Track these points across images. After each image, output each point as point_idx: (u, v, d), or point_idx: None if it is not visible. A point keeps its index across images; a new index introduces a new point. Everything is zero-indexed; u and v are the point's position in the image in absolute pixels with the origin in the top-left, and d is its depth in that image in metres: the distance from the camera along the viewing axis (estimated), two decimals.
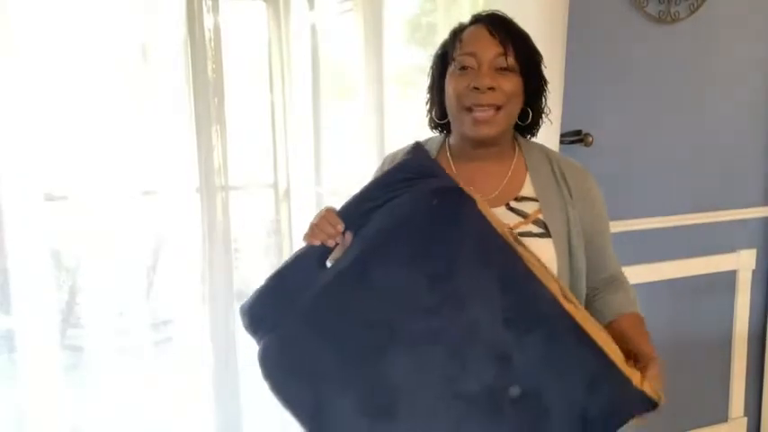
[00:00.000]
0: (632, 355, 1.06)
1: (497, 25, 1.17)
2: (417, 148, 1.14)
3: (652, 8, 2.11)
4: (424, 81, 1.30)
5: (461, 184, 1.08)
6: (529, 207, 1.18)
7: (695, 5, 2.15)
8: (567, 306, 1.00)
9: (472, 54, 1.16)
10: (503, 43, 1.15)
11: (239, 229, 1.74)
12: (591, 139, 2.02)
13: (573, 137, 2.02)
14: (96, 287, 1.58)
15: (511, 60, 1.15)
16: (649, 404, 1.00)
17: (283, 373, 1.03)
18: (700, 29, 2.19)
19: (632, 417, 1.00)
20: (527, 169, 1.22)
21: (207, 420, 1.74)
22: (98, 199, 1.57)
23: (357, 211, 1.08)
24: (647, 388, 1.00)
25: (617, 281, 1.28)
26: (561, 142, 1.95)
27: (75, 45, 1.52)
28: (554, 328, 0.99)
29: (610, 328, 1.16)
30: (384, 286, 1.01)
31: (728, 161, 2.33)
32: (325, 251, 1.07)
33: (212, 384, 1.73)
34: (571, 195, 1.20)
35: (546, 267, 1.06)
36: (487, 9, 1.23)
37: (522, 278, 1.01)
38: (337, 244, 1.07)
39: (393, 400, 0.98)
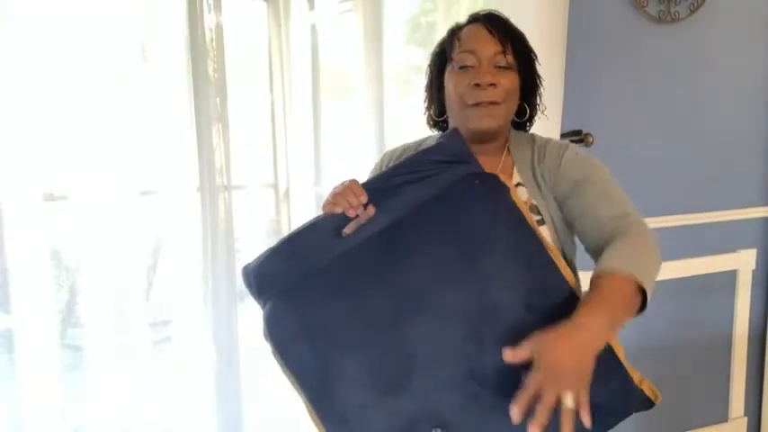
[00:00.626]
0: None
1: (495, 24, 1.19)
2: (455, 133, 1.15)
3: (652, 8, 2.11)
4: (423, 80, 1.31)
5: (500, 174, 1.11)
6: (523, 194, 1.19)
7: (695, 5, 2.15)
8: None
9: (472, 52, 1.17)
10: (501, 42, 1.17)
11: (240, 228, 1.74)
12: (591, 139, 2.02)
13: (573, 137, 2.02)
14: (96, 287, 1.58)
15: (509, 58, 1.18)
16: (647, 404, 1.01)
17: (290, 334, 1.00)
18: (700, 29, 2.19)
19: (630, 414, 1.01)
20: (513, 161, 1.23)
21: (208, 420, 1.74)
22: (98, 199, 1.56)
23: (385, 185, 1.08)
24: (646, 387, 1.01)
25: (621, 226, 1.09)
26: None
27: (76, 45, 1.52)
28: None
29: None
30: (415, 256, 1.01)
31: (728, 161, 2.33)
32: (343, 220, 1.05)
33: (214, 384, 1.72)
34: (545, 180, 1.17)
35: (563, 262, 1.07)
36: (485, 9, 1.24)
37: (547, 266, 1.03)
38: (357, 216, 1.05)
39: (405, 371, 0.97)
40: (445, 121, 1.28)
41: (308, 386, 0.99)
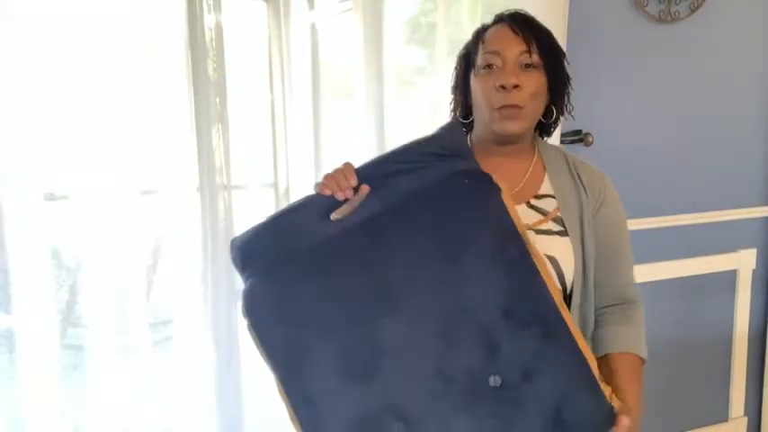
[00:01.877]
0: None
1: (520, 23, 1.17)
2: (454, 125, 1.14)
3: (652, 8, 2.11)
4: (425, 81, 1.31)
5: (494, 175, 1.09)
6: (548, 204, 1.19)
7: (695, 5, 2.15)
8: (564, 313, 1.01)
9: (496, 53, 1.16)
10: (526, 40, 1.15)
11: (240, 228, 1.74)
12: (591, 139, 2.02)
13: (573, 137, 2.02)
14: (96, 287, 1.58)
15: (535, 57, 1.15)
16: (615, 418, 1.01)
17: (265, 312, 1.01)
18: (700, 29, 2.19)
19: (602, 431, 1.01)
20: (545, 167, 1.23)
21: (208, 420, 1.74)
22: (98, 199, 1.56)
23: (378, 171, 1.07)
24: (615, 403, 1.01)
25: (630, 307, 1.24)
26: (561, 142, 1.95)
27: (76, 45, 1.52)
28: (550, 330, 0.99)
29: (605, 360, 1.17)
30: (398, 247, 1.01)
31: (728, 161, 2.33)
32: (332, 204, 1.05)
33: (214, 384, 1.72)
34: (586, 193, 1.20)
35: (551, 274, 1.06)
36: (507, 9, 1.23)
37: (531, 275, 1.01)
38: (347, 199, 1.04)
39: (375, 362, 0.97)
40: (471, 123, 1.27)
41: (279, 365, 1.00)
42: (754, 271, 2.42)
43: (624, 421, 1.00)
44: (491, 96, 1.15)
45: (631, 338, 1.19)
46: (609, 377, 1.12)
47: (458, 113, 1.29)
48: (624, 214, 1.26)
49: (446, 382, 0.97)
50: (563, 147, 1.30)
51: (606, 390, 1.00)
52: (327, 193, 1.04)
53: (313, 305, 1.00)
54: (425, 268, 1.00)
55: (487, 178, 1.06)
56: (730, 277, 2.40)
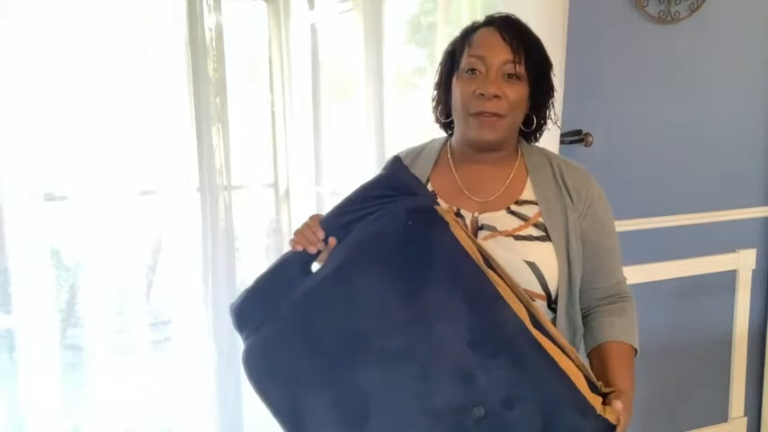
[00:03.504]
0: (606, 383, 1.06)
1: (511, 30, 1.15)
2: (396, 162, 1.14)
3: (652, 8, 2.11)
4: (425, 81, 1.30)
5: (439, 202, 1.10)
6: (529, 210, 1.17)
7: (695, 5, 2.15)
8: (534, 333, 1.00)
9: (481, 58, 1.14)
10: (514, 50, 1.13)
11: (240, 228, 1.74)
12: (591, 139, 2.02)
13: (573, 137, 2.02)
14: (96, 287, 1.58)
15: (520, 68, 1.13)
16: (610, 429, 1.00)
17: (264, 375, 1.06)
18: (700, 29, 2.19)
19: None
20: (527, 173, 1.21)
21: (208, 420, 1.74)
22: (98, 199, 1.57)
23: (337, 223, 1.10)
24: (609, 415, 0.99)
25: (620, 300, 1.23)
26: (561, 142, 1.95)
27: (76, 45, 1.52)
28: (519, 354, 0.99)
29: (596, 350, 1.17)
30: (361, 298, 1.03)
31: (728, 161, 2.33)
32: (308, 258, 1.09)
33: (214, 384, 1.72)
34: (572, 199, 1.19)
35: (518, 293, 1.05)
36: (499, 11, 1.21)
37: (490, 302, 1.01)
38: (320, 251, 1.08)
39: (365, 409, 1.00)
40: (451, 123, 1.25)
41: (284, 420, 1.05)
42: (753, 271, 2.42)
43: (617, 405, 0.99)
44: (469, 101, 1.14)
45: (624, 328, 1.18)
46: (601, 364, 1.12)
47: (438, 111, 1.27)
48: (610, 211, 1.24)
49: (434, 418, 0.98)
50: (547, 149, 1.28)
51: (596, 402, 0.99)
52: (299, 249, 1.08)
53: (299, 362, 1.04)
54: (389, 314, 1.02)
55: (432, 214, 1.06)
56: (730, 277, 2.40)
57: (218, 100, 1.64)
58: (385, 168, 1.15)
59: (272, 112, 1.77)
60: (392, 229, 1.05)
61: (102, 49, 1.53)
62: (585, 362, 1.09)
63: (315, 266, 1.11)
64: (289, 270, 1.09)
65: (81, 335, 1.61)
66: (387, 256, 1.04)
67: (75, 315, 1.68)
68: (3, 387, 1.58)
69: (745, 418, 2.51)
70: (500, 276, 1.04)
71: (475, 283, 1.02)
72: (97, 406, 1.62)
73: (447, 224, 1.05)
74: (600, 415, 0.98)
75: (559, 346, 1.01)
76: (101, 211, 1.57)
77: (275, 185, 1.81)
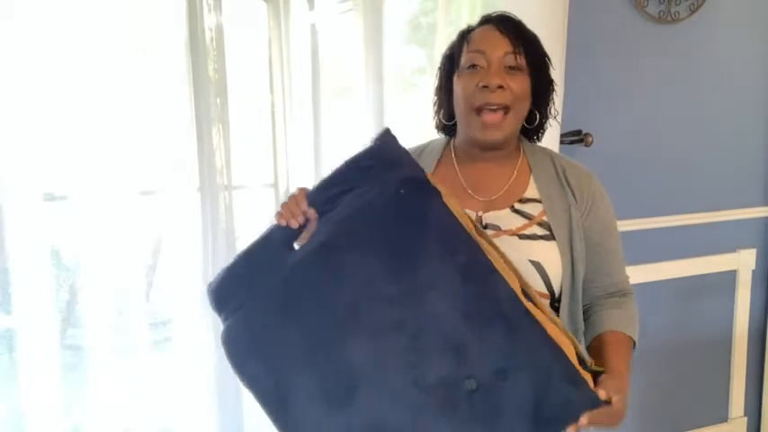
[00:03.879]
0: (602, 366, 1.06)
1: (507, 25, 1.16)
2: (387, 134, 1.11)
3: (652, 8, 2.11)
4: (425, 81, 1.30)
5: (429, 176, 1.06)
6: (533, 209, 1.18)
7: (695, 5, 2.15)
8: (527, 304, 1.00)
9: (482, 52, 1.14)
10: (513, 42, 1.14)
11: (240, 228, 1.74)
12: (591, 139, 2.02)
13: (573, 137, 2.02)
14: (96, 287, 1.58)
15: (521, 59, 1.14)
16: (600, 405, 0.99)
17: (245, 353, 1.03)
18: (700, 29, 2.20)
19: (581, 414, 0.98)
20: (530, 171, 1.22)
21: (208, 420, 1.74)
22: (98, 199, 1.56)
23: (324, 195, 1.07)
24: (602, 394, 0.99)
25: (622, 296, 1.24)
26: (561, 142, 1.95)
27: (76, 44, 1.52)
28: (512, 324, 0.98)
29: (595, 340, 1.17)
30: (349, 272, 1.01)
31: (728, 161, 2.34)
32: (292, 233, 1.06)
33: (214, 384, 1.72)
34: (575, 198, 1.19)
35: (509, 265, 1.05)
36: (496, 10, 1.21)
37: (483, 272, 1.00)
38: (303, 226, 1.05)
39: (352, 384, 0.98)
40: (454, 126, 1.25)
41: (266, 402, 1.02)
42: (753, 271, 2.42)
43: (610, 381, 0.98)
44: (473, 95, 1.14)
45: (623, 320, 1.19)
46: (598, 352, 1.12)
47: (441, 115, 1.28)
48: (613, 210, 1.25)
49: (425, 393, 0.97)
50: (548, 148, 1.28)
51: (587, 376, 0.98)
52: (283, 223, 1.05)
53: (285, 340, 1.01)
54: (379, 287, 1.00)
55: (424, 184, 1.04)
56: (730, 277, 2.40)
57: (218, 100, 1.64)
58: (375, 139, 1.11)
59: (272, 112, 1.77)
60: (382, 200, 1.02)
61: (102, 48, 1.53)
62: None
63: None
64: (271, 246, 1.06)
65: (81, 335, 1.61)
66: (376, 229, 1.02)
67: (75, 315, 1.68)
68: (3, 387, 1.57)
69: (745, 418, 2.51)
70: (492, 247, 1.04)
71: (468, 254, 1.00)
72: (97, 406, 1.62)
73: (439, 193, 1.03)
74: (591, 390, 0.97)
75: (550, 320, 1.00)
76: (101, 211, 1.57)
77: (275, 185, 1.81)
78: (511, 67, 1.14)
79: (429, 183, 1.04)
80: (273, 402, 1.02)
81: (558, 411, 0.96)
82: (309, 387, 1.00)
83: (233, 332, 1.04)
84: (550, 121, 1.27)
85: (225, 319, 1.06)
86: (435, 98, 1.28)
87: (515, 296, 0.99)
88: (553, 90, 1.24)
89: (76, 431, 1.65)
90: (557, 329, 1.00)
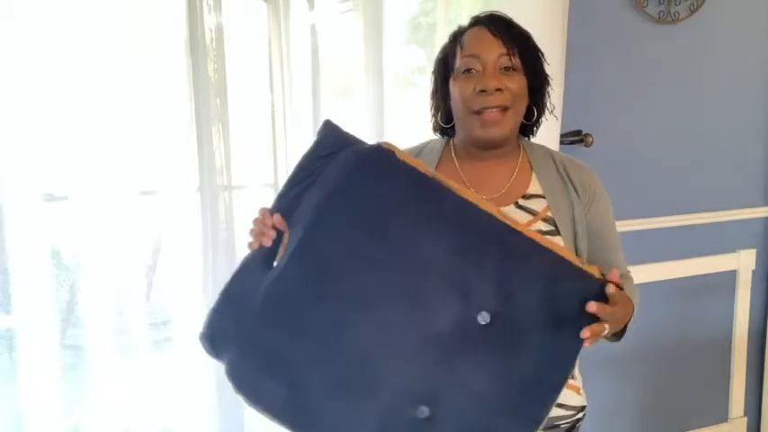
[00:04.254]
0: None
1: (498, 25, 1.16)
2: (328, 124, 1.14)
3: (652, 8, 2.11)
4: (425, 81, 1.30)
5: (381, 143, 1.08)
6: (537, 205, 1.18)
7: (695, 5, 2.15)
8: (511, 223, 1.01)
9: (475, 56, 1.15)
10: (506, 43, 1.14)
11: (240, 228, 1.74)
12: (591, 139, 2.02)
13: (573, 137, 2.02)
14: (96, 287, 1.58)
15: (515, 60, 1.15)
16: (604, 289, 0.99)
17: (254, 377, 1.02)
18: (700, 29, 2.19)
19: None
20: (532, 168, 1.22)
21: (208, 420, 1.74)
22: (98, 199, 1.56)
23: (285, 202, 1.08)
24: (608, 277, 0.99)
25: (626, 285, 1.24)
26: (561, 142, 1.95)
27: (76, 44, 1.52)
28: (504, 244, 0.99)
29: None
30: (331, 257, 1.01)
31: (728, 161, 2.34)
32: (269, 253, 1.07)
33: (214, 384, 1.72)
34: (578, 193, 1.20)
35: (481, 197, 1.05)
36: (486, 10, 1.22)
37: (460, 207, 1.01)
38: (278, 242, 1.06)
39: (368, 368, 0.98)
40: (453, 128, 1.26)
41: (291, 419, 1.01)
42: (753, 271, 2.42)
43: (611, 288, 0.98)
44: (470, 100, 1.14)
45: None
46: None
47: (438, 118, 1.28)
48: (610, 204, 1.27)
49: (442, 345, 0.96)
50: (546, 146, 1.29)
51: (592, 269, 0.99)
52: (256, 246, 1.07)
53: (289, 350, 1.00)
54: (367, 256, 1.00)
55: (376, 149, 1.06)
56: (730, 277, 2.40)
57: (218, 100, 1.64)
58: (318, 132, 1.13)
59: (272, 112, 1.77)
60: (343, 178, 1.04)
61: (102, 48, 1.53)
62: None
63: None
64: (249, 273, 1.07)
65: (81, 335, 1.61)
66: (348, 203, 1.03)
67: (75, 315, 1.68)
68: (3, 387, 1.57)
69: (745, 418, 2.51)
70: (463, 189, 1.05)
71: (440, 196, 1.01)
72: (97, 406, 1.62)
73: (393, 153, 1.05)
74: (597, 278, 0.97)
75: (539, 235, 1.01)
76: (101, 211, 1.57)
77: (275, 185, 1.81)
78: (506, 68, 1.14)
79: (380, 147, 1.06)
80: (297, 414, 1.01)
81: (573, 308, 0.95)
82: (327, 387, 0.99)
83: (235, 362, 1.04)
84: (547, 115, 1.28)
85: (223, 359, 1.05)
86: (432, 101, 1.29)
87: (494, 218, 1.00)
88: (548, 84, 1.25)
89: (76, 431, 1.65)
90: (549, 242, 1.01)
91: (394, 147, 1.07)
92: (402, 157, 1.05)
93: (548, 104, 1.27)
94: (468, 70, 1.15)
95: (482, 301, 0.97)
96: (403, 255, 0.99)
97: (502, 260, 0.98)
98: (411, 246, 1.00)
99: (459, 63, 1.17)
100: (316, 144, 1.11)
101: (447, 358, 0.96)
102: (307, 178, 1.08)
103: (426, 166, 1.06)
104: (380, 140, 1.10)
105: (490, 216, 1.00)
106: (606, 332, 0.97)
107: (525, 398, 0.96)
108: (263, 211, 1.09)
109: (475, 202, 1.01)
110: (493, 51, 1.14)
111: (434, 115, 1.29)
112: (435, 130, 1.31)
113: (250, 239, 1.10)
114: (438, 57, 1.26)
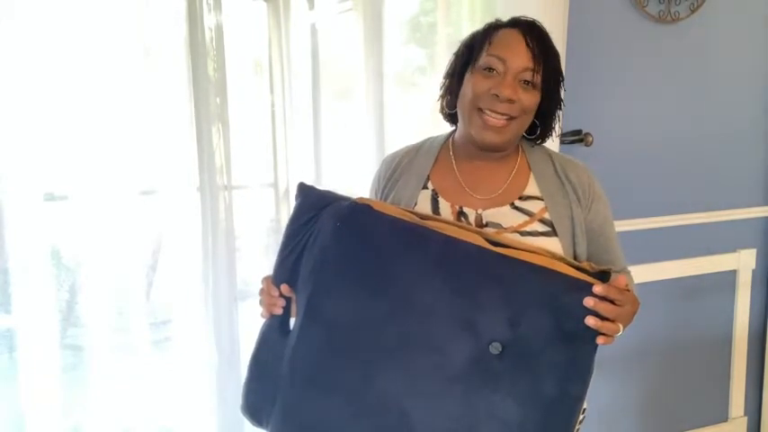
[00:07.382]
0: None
1: (535, 37, 1.15)
2: (302, 187, 1.19)
3: (652, 8, 2.11)
4: (425, 81, 1.30)
5: (356, 199, 1.12)
6: (534, 206, 1.18)
7: (695, 5, 2.15)
8: (497, 249, 1.02)
9: (502, 60, 1.13)
10: (535, 58, 1.13)
11: (240, 228, 1.74)
12: (591, 139, 2.02)
13: (573, 137, 2.02)
14: (96, 287, 1.58)
15: (537, 77, 1.14)
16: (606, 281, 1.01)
17: None
18: (700, 29, 2.19)
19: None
20: (530, 169, 1.22)
21: (208, 420, 1.74)
22: (98, 199, 1.56)
23: (285, 270, 1.13)
24: (613, 284, 1.01)
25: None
26: (561, 142, 1.95)
27: (76, 44, 1.52)
28: (497, 275, 1.00)
29: None
30: (339, 319, 1.05)
31: (728, 161, 2.33)
32: (283, 319, 1.13)
33: (214, 384, 1.72)
34: (577, 194, 1.20)
35: (464, 227, 1.07)
36: (526, 16, 1.20)
37: (445, 247, 1.03)
38: (287, 308, 1.12)
39: (402, 416, 1.00)
40: (455, 115, 1.24)
41: None
42: (753, 271, 2.42)
43: (621, 281, 1.00)
44: (481, 98, 1.14)
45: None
46: None
47: (445, 102, 1.26)
48: (608, 203, 1.27)
49: (462, 381, 0.98)
50: (546, 147, 1.29)
51: (584, 265, 1.01)
52: (267, 316, 1.14)
53: (320, 409, 1.04)
54: (372, 314, 1.03)
55: (352, 206, 1.10)
56: (730, 277, 2.40)
57: (218, 100, 1.64)
58: (296, 197, 1.19)
59: (272, 112, 1.77)
60: (328, 241, 1.08)
61: (103, 48, 1.53)
62: None
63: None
64: (269, 340, 1.14)
65: (81, 335, 1.61)
66: (338, 266, 1.07)
67: (75, 315, 1.68)
68: (3, 387, 1.58)
69: (745, 418, 2.51)
70: (442, 222, 1.07)
71: (423, 239, 1.04)
72: (97, 406, 1.62)
73: (369, 207, 1.09)
74: (590, 282, 0.98)
75: (528, 251, 1.03)
76: (101, 210, 1.57)
77: (275, 185, 1.81)
78: (526, 81, 1.14)
79: (356, 203, 1.10)
80: None
81: (578, 319, 0.97)
82: None
83: (277, 429, 1.09)
84: (552, 134, 1.27)
85: (267, 425, 1.12)
86: (445, 82, 1.26)
87: (481, 248, 1.02)
88: (560, 109, 1.24)
89: (76, 431, 1.65)
90: (539, 256, 1.02)
91: (367, 199, 1.12)
92: (378, 208, 1.09)
93: (556, 127, 1.26)
94: (490, 69, 1.14)
95: (489, 332, 0.98)
96: (405, 306, 1.02)
97: (498, 290, 1.00)
98: (410, 296, 1.02)
99: (483, 58, 1.15)
100: (295, 211, 1.16)
101: (474, 393, 0.98)
102: (297, 245, 1.13)
103: (402, 209, 1.10)
104: (356, 196, 1.15)
105: (476, 247, 1.02)
106: (621, 331, 0.99)
107: (553, 414, 0.98)
108: (266, 281, 1.15)
109: (458, 236, 1.03)
110: (520, 61, 1.13)
111: (443, 96, 1.27)
112: (441, 111, 1.29)
113: (261, 310, 1.16)
114: (465, 41, 1.23)
